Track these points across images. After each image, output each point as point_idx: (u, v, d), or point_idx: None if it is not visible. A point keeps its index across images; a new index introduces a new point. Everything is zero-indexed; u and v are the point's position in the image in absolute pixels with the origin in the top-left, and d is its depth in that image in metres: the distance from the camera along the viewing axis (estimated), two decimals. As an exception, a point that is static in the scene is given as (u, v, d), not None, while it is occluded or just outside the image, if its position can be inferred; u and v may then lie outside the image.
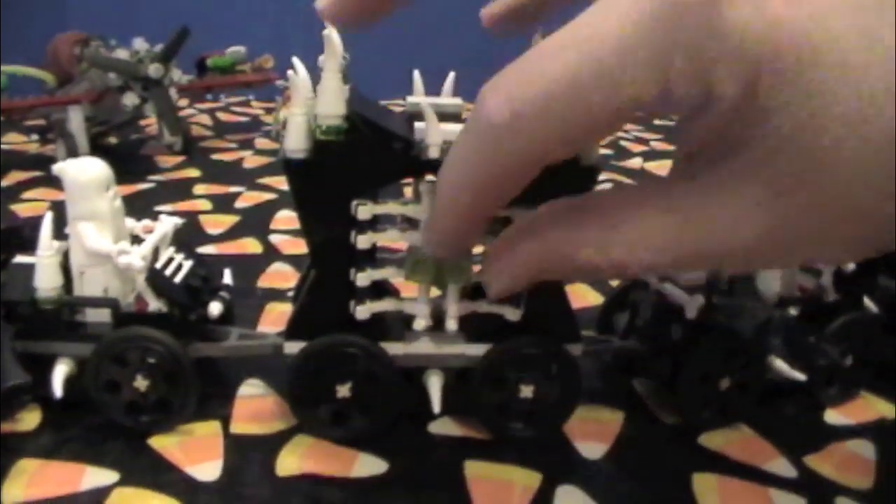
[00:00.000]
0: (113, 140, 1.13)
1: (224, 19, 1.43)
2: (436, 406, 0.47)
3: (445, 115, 0.44)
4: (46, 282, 0.48)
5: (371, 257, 0.46)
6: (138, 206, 0.90)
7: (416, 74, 0.52)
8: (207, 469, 0.46)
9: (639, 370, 0.56)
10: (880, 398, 0.57)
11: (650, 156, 1.28)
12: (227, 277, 0.54)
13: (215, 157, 1.13)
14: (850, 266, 0.54)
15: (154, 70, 0.97)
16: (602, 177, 1.13)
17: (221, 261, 0.76)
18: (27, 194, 0.93)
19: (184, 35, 0.95)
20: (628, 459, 0.48)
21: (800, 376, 0.52)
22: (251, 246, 0.81)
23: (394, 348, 0.47)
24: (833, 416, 0.55)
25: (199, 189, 0.98)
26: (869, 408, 0.56)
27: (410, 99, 0.47)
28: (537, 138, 0.25)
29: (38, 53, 1.11)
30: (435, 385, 0.48)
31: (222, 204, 0.93)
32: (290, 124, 0.43)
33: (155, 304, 0.49)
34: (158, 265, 0.50)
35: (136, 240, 0.51)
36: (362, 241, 0.44)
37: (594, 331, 0.58)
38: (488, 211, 0.30)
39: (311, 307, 0.47)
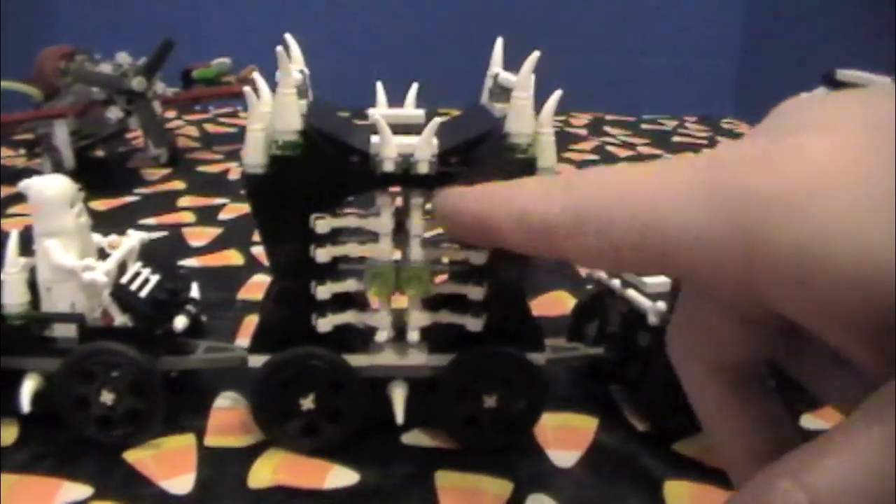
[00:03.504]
0: (100, 153, 1.14)
1: (211, 32, 1.44)
2: (399, 417, 0.47)
3: (408, 127, 0.44)
4: (13, 298, 0.48)
5: (332, 270, 0.46)
6: (123, 219, 0.91)
7: (379, 86, 0.52)
8: (181, 483, 0.46)
9: (611, 377, 0.56)
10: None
11: (636, 160, 1.29)
12: (195, 291, 0.54)
13: (201, 168, 1.13)
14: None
15: (137, 83, 0.97)
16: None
17: (203, 273, 0.76)
18: (13, 209, 0.93)
19: (167, 48, 0.96)
20: (601, 467, 0.48)
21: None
22: (233, 257, 0.81)
23: (357, 360, 0.47)
24: (810, 421, 0.54)
25: (184, 201, 0.98)
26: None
27: (371, 111, 0.47)
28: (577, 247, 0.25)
29: (26, 67, 1.12)
30: (398, 396, 0.48)
31: (206, 216, 0.93)
32: (249, 139, 0.44)
33: (121, 319, 0.49)
34: (125, 280, 0.50)
35: (104, 255, 0.51)
36: (321, 255, 0.44)
37: (566, 338, 0.58)
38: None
39: (273, 320, 0.47)
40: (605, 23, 1.71)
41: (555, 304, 0.71)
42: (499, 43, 0.50)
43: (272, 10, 1.57)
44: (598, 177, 0.25)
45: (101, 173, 1.04)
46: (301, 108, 0.45)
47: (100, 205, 0.96)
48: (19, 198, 0.97)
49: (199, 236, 0.86)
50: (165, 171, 1.10)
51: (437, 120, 0.42)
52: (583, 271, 0.63)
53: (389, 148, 0.42)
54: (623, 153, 1.34)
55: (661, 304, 0.49)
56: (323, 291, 0.45)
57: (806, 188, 0.20)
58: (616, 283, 0.53)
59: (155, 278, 0.52)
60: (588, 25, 1.70)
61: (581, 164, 1.24)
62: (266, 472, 0.47)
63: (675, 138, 1.50)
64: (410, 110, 0.48)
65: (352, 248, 0.45)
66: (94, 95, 0.98)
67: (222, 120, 1.47)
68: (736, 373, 0.27)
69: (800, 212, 0.20)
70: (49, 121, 0.99)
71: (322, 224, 0.44)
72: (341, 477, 0.46)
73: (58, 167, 1.01)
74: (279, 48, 0.42)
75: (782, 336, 0.26)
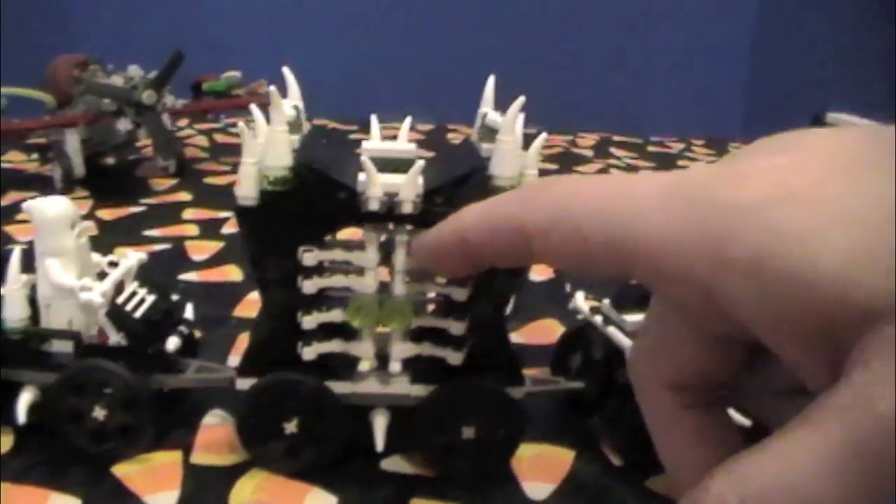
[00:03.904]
0: (111, 160, 1.16)
1: (223, 45, 1.46)
2: (379, 444, 0.49)
3: (398, 162, 0.46)
4: (14, 313, 0.50)
5: (319, 300, 0.47)
6: (127, 230, 0.93)
7: (373, 119, 0.54)
8: (164, 499, 0.47)
9: (593, 409, 0.57)
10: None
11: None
12: (189, 312, 0.56)
13: (208, 180, 1.15)
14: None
15: (147, 97, 1.00)
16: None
17: (201, 288, 0.78)
18: (21, 216, 0.95)
19: (177, 61, 0.98)
20: (573, 500, 0.50)
21: (745, 421, 0.53)
22: (232, 273, 0.83)
23: (340, 387, 0.49)
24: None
25: (188, 213, 1.00)
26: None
27: (365, 144, 0.49)
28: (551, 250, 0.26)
29: (42, 74, 1.14)
30: (379, 424, 0.49)
31: (209, 229, 0.95)
32: (242, 172, 0.45)
33: (115, 338, 0.51)
34: (120, 300, 0.52)
35: (104, 274, 0.53)
36: (308, 287, 0.46)
37: (550, 368, 0.60)
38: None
39: (260, 346, 0.49)
40: (615, 43, 1.72)
41: (545, 332, 0.72)
42: (490, 81, 0.52)
43: (285, 24, 1.60)
44: (572, 181, 0.26)
45: (109, 181, 1.06)
46: (293, 143, 0.46)
47: (106, 214, 0.98)
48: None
49: (200, 250, 0.88)
50: (173, 182, 1.12)
51: (422, 162, 0.43)
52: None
53: (375, 187, 0.43)
54: (626, 176, 1.35)
55: (639, 344, 0.50)
56: (309, 322, 0.47)
57: (768, 199, 0.21)
58: (598, 319, 0.54)
59: (151, 299, 0.54)
60: (598, 45, 1.71)
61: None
62: (247, 491, 0.48)
63: (681, 162, 1.51)
64: (402, 144, 0.50)
65: (337, 280, 0.47)
66: (104, 107, 1.00)
67: (232, 130, 1.49)
68: (695, 392, 0.27)
69: (759, 221, 0.21)
70: (60, 128, 1.02)
71: (309, 257, 0.45)
72: (320, 499, 0.48)
73: (68, 174, 1.03)
74: (271, 88, 0.44)
75: (744, 355, 0.26)
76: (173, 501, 0.47)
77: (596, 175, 0.26)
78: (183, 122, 1.38)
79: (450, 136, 1.56)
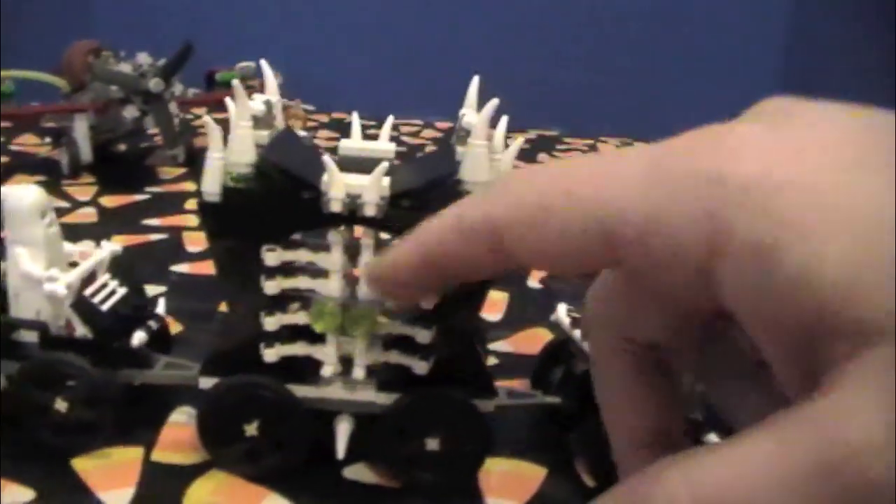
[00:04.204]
0: (122, 148, 1.16)
1: (239, 35, 1.46)
2: (340, 452, 0.48)
3: (375, 162, 0.44)
4: (-19, 301, 0.50)
5: (282, 301, 0.46)
6: (128, 218, 0.93)
7: (355, 116, 0.52)
8: (119, 496, 0.47)
9: (571, 425, 0.55)
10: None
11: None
12: (161, 307, 0.55)
13: (216, 170, 1.14)
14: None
15: (154, 84, 0.99)
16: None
17: (191, 281, 0.77)
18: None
19: (187, 52, 0.98)
20: (539, 519, 0.48)
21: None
22: (225, 266, 0.82)
23: (304, 391, 0.48)
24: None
25: (191, 203, 1.00)
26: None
27: (343, 143, 0.48)
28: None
29: (58, 59, 1.14)
30: (342, 431, 0.48)
31: (209, 220, 0.94)
32: (207, 166, 0.44)
33: (81, 330, 0.50)
34: (89, 291, 0.51)
35: (76, 265, 0.52)
36: (270, 287, 0.45)
37: (531, 382, 0.58)
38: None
39: (223, 346, 0.48)
40: (639, 47, 1.69)
41: (536, 341, 0.70)
42: (475, 82, 0.50)
43: (301, 18, 1.59)
44: (546, 169, 0.24)
45: (117, 169, 1.07)
46: (260, 139, 0.45)
47: (109, 201, 0.98)
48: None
49: (196, 241, 0.87)
50: (181, 171, 1.12)
51: (386, 163, 0.42)
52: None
53: (337, 188, 0.42)
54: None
55: (615, 361, 0.48)
56: (271, 323, 0.46)
57: (765, 181, 0.19)
58: (577, 333, 0.52)
59: (122, 291, 0.53)
60: (624, 49, 1.68)
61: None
62: (203, 493, 0.47)
63: (702, 171, 1.48)
64: (380, 144, 0.48)
65: (301, 282, 0.45)
66: (112, 94, 1.00)
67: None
68: (647, 353, 0.26)
69: (758, 206, 0.19)
70: (70, 114, 1.02)
71: (272, 256, 0.44)
72: (276, 505, 0.47)
73: (75, 160, 1.03)
74: (235, 81, 0.43)
75: (706, 330, 0.25)
76: (127, 499, 0.47)
77: (573, 157, 0.24)
78: (200, 111, 1.37)
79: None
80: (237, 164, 0.43)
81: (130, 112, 1.00)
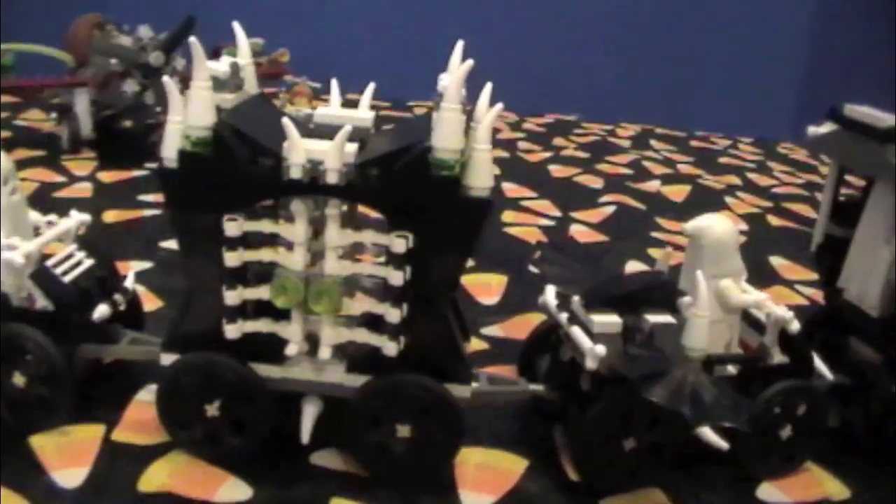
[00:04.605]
0: (126, 124, 1.14)
1: (249, 11, 1.43)
2: (304, 436, 0.45)
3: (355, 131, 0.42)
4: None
5: (244, 275, 0.43)
6: (122, 194, 0.91)
7: (334, 83, 0.50)
8: (72, 475, 0.45)
9: (555, 418, 0.52)
10: (830, 475, 0.52)
11: (671, 179, 1.22)
12: (130, 281, 0.53)
13: (219, 148, 1.12)
14: (795, 326, 0.49)
15: (154, 59, 0.97)
16: (611, 198, 1.09)
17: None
18: (22, 173, 0.94)
19: (189, 26, 0.95)
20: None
21: (722, 444, 0.47)
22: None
23: (268, 371, 0.45)
24: (768, 491, 0.50)
25: (189, 180, 0.97)
26: (813, 485, 0.51)
27: (319, 110, 0.45)
28: None
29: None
30: (309, 413, 0.45)
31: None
32: (167, 131, 0.42)
33: (42, 302, 0.48)
34: (52, 262, 0.49)
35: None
36: (230, 259, 0.42)
37: (517, 369, 0.55)
38: None
39: (183, 321, 0.45)
40: (662, 31, 1.63)
41: (528, 327, 0.67)
42: (459, 45, 0.46)
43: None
44: None
45: (118, 145, 1.05)
46: (227, 102, 0.43)
47: (106, 177, 0.96)
48: (35, 162, 0.99)
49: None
50: (183, 148, 1.10)
51: (349, 127, 0.39)
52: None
53: (297, 153, 0.39)
54: (659, 170, 1.27)
55: (601, 349, 0.45)
56: (231, 297, 0.43)
57: None
58: (563, 317, 0.49)
59: (88, 263, 0.51)
60: (643, 35, 1.63)
61: (612, 178, 1.19)
62: (160, 475, 0.45)
63: (723, 159, 1.43)
64: (358, 112, 0.45)
65: (264, 254, 0.43)
66: (112, 67, 0.98)
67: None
68: None
69: None
70: (72, 89, 1.00)
71: (232, 226, 0.42)
72: (235, 490, 0.44)
73: (75, 135, 1.02)
74: (192, 39, 0.40)
75: None
76: (80, 479, 0.44)
77: None
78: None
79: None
80: (195, 127, 0.40)
81: (130, 86, 0.98)
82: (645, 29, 1.63)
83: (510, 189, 1.08)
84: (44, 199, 0.86)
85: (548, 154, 1.31)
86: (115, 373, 0.53)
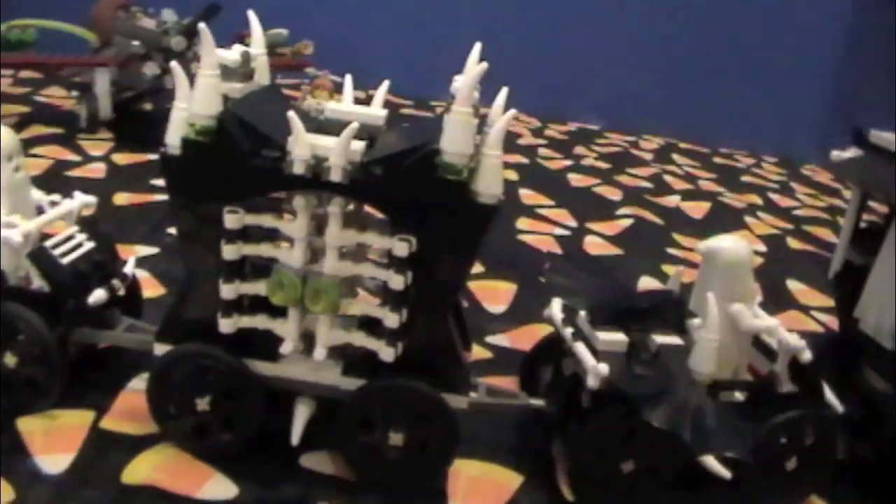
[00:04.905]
0: (147, 106, 1.14)
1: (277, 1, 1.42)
2: (294, 437, 0.44)
3: (365, 128, 0.41)
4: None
5: (242, 268, 0.42)
6: (135, 177, 0.90)
7: (347, 79, 0.49)
8: (57, 461, 0.44)
9: (555, 433, 0.51)
10: (835, 510, 0.50)
11: (691, 195, 1.20)
12: (130, 267, 0.52)
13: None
14: (807, 356, 0.48)
15: (176, 43, 0.97)
16: (629, 211, 1.07)
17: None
18: (37, 150, 0.94)
19: (212, 11, 0.95)
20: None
21: (725, 473, 0.46)
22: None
23: (261, 367, 0.44)
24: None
25: (204, 166, 0.97)
26: (816, 518, 0.49)
27: (330, 105, 0.44)
28: None
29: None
30: (301, 414, 0.44)
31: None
32: (173, 118, 0.41)
33: (38, 283, 0.47)
34: (50, 243, 0.48)
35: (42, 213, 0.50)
36: (229, 252, 0.41)
37: (519, 381, 0.54)
38: None
39: (179, 311, 0.44)
40: (692, 44, 1.61)
41: (535, 337, 0.65)
42: (476, 48, 0.45)
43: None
44: None
45: (137, 127, 1.05)
46: (234, 91, 0.42)
47: (121, 158, 0.96)
48: (50, 139, 0.99)
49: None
50: (201, 134, 1.09)
51: (355, 124, 0.38)
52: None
53: (301, 147, 0.38)
54: (680, 185, 1.26)
55: (604, 367, 0.43)
56: (228, 291, 0.42)
57: None
58: (568, 331, 0.48)
59: (88, 246, 0.50)
60: (671, 47, 1.61)
61: (631, 190, 1.17)
62: (145, 467, 0.44)
63: (745, 177, 1.41)
64: (371, 109, 0.44)
65: (263, 249, 0.42)
66: (133, 49, 0.98)
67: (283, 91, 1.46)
68: None
69: None
70: (92, 68, 1.00)
71: (233, 219, 0.41)
72: (219, 488, 0.43)
73: (93, 115, 1.01)
74: (201, 25, 0.39)
75: None
76: (64, 465, 0.44)
77: None
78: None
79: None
80: (200, 115, 0.39)
81: (151, 69, 0.98)
82: (675, 41, 1.61)
83: (527, 195, 1.07)
84: (56, 177, 0.86)
85: (568, 162, 1.29)
86: (110, 357, 0.53)
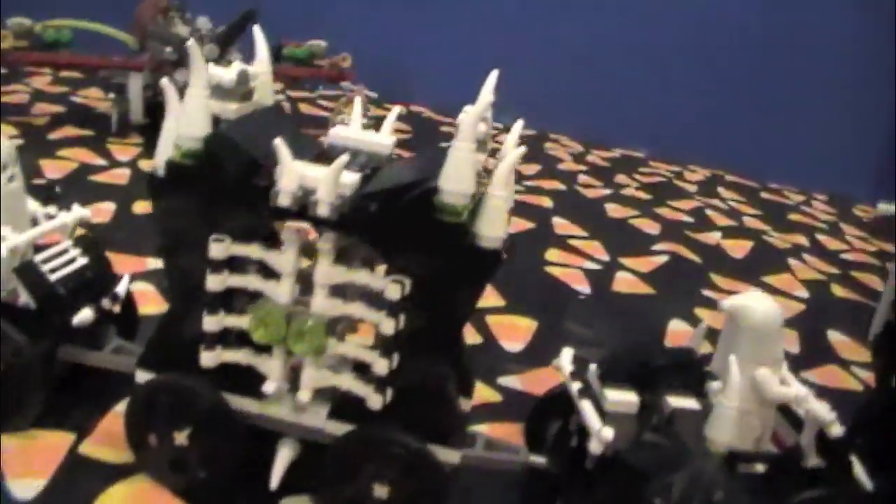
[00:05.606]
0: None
1: (318, 12, 1.41)
2: (274, 480, 0.41)
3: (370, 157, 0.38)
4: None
5: (228, 300, 0.40)
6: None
7: (357, 101, 0.46)
8: (28, 486, 0.42)
9: (555, 494, 0.47)
10: None
11: (734, 232, 1.15)
12: (123, 286, 0.50)
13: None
14: (837, 430, 0.44)
15: (208, 51, 0.96)
16: (665, 247, 1.03)
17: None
18: (63, 151, 0.93)
19: (247, 20, 0.94)
20: None
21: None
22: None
23: (242, 404, 0.41)
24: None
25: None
26: None
27: (334, 130, 0.42)
28: None
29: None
30: (282, 456, 0.42)
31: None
32: (163, 137, 0.39)
33: (25, 298, 0.45)
34: (41, 257, 0.46)
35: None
36: (213, 282, 0.39)
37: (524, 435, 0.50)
38: None
39: (163, 338, 0.42)
40: (744, 74, 1.56)
41: (549, 382, 0.62)
42: (492, 77, 0.42)
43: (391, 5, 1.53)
44: None
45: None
46: (228, 112, 0.39)
47: (147, 165, 0.94)
48: (78, 141, 0.98)
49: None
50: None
51: (345, 157, 0.35)
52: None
53: (289, 179, 0.35)
54: (722, 221, 1.20)
55: (609, 432, 0.40)
56: (210, 322, 0.39)
57: None
58: (576, 386, 0.44)
59: (81, 262, 0.48)
60: (725, 72, 1.56)
61: (670, 224, 1.13)
62: (116, 499, 0.42)
63: (793, 215, 1.35)
64: (378, 137, 0.42)
65: (249, 281, 0.39)
66: (166, 55, 0.97)
67: (322, 103, 1.45)
68: None
69: None
70: (125, 71, 1.00)
71: (218, 248, 0.38)
72: (191, 529, 0.41)
73: (124, 118, 1.01)
74: (190, 41, 0.37)
75: None
76: (35, 492, 0.42)
77: None
78: (277, 85, 1.34)
79: (548, 145, 1.46)
80: (187, 137, 0.37)
81: (182, 75, 0.97)
82: (728, 70, 1.56)
83: (560, 224, 1.03)
84: (79, 181, 0.85)
85: (607, 191, 1.25)
86: (101, 376, 0.51)
